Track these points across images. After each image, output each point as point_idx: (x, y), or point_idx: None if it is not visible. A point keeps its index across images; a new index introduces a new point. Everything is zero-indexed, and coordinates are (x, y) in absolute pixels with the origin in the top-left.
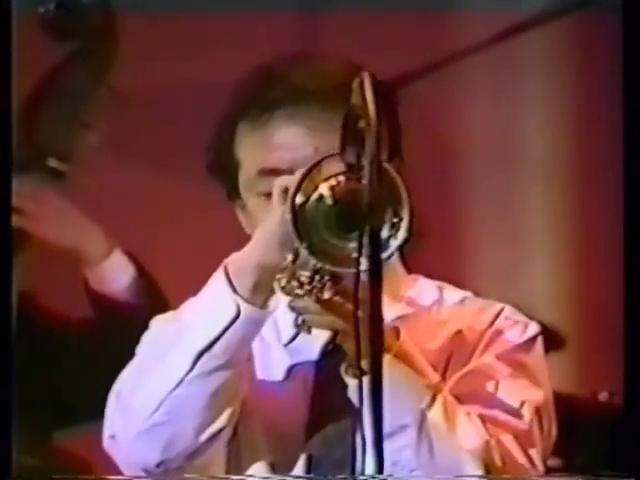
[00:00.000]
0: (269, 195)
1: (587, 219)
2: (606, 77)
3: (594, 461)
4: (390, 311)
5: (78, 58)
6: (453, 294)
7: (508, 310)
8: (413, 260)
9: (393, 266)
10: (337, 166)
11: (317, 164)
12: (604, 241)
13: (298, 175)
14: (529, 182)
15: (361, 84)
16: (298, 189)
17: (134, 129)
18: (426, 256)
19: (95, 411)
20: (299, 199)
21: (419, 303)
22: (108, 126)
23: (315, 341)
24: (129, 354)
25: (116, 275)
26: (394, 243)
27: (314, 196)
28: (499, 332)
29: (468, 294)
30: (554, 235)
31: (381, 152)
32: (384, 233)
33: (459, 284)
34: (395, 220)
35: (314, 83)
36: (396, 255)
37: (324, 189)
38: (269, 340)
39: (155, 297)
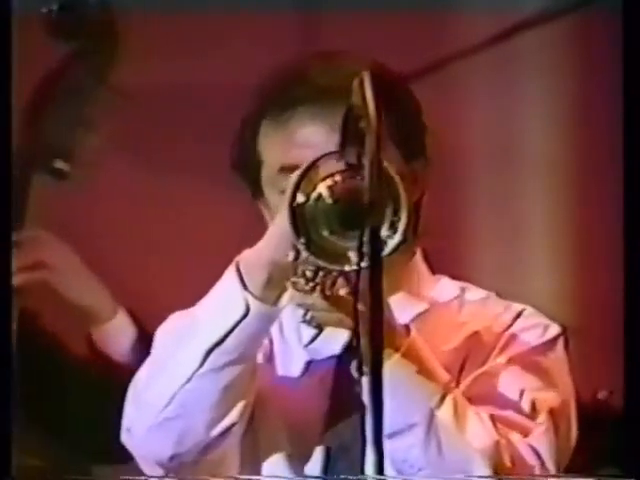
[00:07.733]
0: None
1: (587, 218)
2: (606, 77)
3: (594, 461)
4: (409, 310)
5: (79, 58)
6: (475, 295)
7: (529, 311)
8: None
9: (416, 265)
10: (335, 165)
11: (313, 164)
12: (604, 240)
13: (295, 175)
14: (529, 182)
15: (361, 84)
16: (296, 189)
17: (140, 130)
18: (427, 254)
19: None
20: (300, 198)
21: (439, 303)
22: (113, 127)
23: (334, 339)
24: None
25: (118, 338)
26: (391, 242)
27: (313, 195)
28: (517, 334)
29: (491, 294)
30: (554, 234)
31: (381, 152)
32: (383, 232)
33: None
34: (394, 219)
35: (336, 82)
36: (419, 255)
37: (322, 188)
38: (289, 339)
39: None
